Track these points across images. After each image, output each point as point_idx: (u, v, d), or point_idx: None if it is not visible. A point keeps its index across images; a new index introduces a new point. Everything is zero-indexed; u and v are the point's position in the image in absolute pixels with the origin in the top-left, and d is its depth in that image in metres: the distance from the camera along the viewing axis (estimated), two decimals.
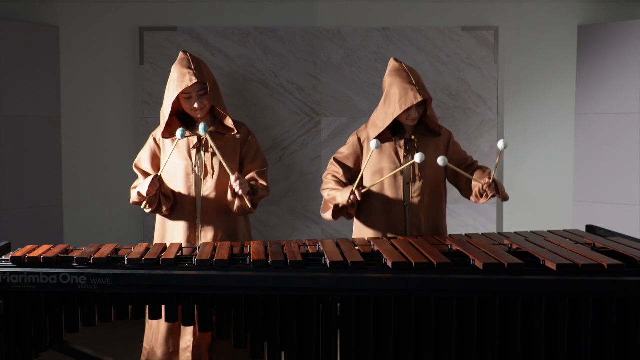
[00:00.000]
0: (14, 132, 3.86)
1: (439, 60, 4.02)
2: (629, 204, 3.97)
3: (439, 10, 4.06)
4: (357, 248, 2.40)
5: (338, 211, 2.84)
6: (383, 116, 2.81)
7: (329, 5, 4.04)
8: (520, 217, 4.13)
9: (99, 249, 2.35)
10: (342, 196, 2.77)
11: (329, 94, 4.03)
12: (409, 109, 2.77)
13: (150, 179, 2.73)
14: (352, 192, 2.73)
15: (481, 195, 2.78)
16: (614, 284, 2.10)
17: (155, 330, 2.86)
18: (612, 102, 4.01)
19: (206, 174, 2.82)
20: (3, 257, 2.29)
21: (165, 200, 2.81)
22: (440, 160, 2.67)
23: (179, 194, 2.84)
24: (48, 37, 3.95)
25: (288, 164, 4.06)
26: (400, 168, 2.79)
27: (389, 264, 2.18)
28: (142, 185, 2.78)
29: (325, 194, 2.88)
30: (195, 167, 2.83)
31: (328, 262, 2.20)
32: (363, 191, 2.77)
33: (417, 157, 2.67)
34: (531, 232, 2.78)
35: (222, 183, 2.81)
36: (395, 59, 2.89)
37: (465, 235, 2.73)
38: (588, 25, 4.06)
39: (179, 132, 2.69)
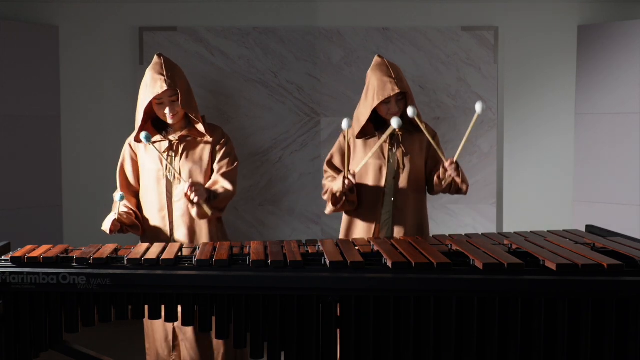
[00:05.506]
0: (14, 132, 3.86)
1: (439, 60, 4.02)
2: (629, 204, 3.97)
3: (439, 10, 4.05)
4: (357, 248, 2.40)
5: (337, 201, 2.86)
6: (363, 109, 2.88)
7: (329, 5, 4.04)
8: (520, 217, 4.13)
9: (99, 249, 2.34)
10: (337, 184, 2.83)
11: (328, 94, 4.03)
12: (388, 102, 2.84)
13: (110, 220, 2.71)
14: (345, 177, 2.78)
15: (440, 180, 2.85)
16: (614, 284, 2.09)
17: (151, 336, 2.87)
18: (612, 102, 4.01)
19: (174, 179, 2.81)
20: (3, 257, 2.29)
21: (135, 231, 2.84)
22: (410, 111, 2.72)
23: (151, 212, 2.85)
24: (48, 37, 3.95)
25: (288, 164, 4.05)
26: (383, 138, 2.83)
27: (389, 264, 2.18)
28: (105, 222, 2.75)
29: (324, 196, 2.95)
30: (166, 172, 2.81)
31: (328, 262, 2.20)
32: (357, 170, 2.82)
33: (394, 122, 2.72)
34: (531, 232, 2.78)
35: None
36: (379, 56, 2.95)
37: (465, 235, 2.73)
38: (588, 25, 4.06)
39: (142, 135, 2.65)
